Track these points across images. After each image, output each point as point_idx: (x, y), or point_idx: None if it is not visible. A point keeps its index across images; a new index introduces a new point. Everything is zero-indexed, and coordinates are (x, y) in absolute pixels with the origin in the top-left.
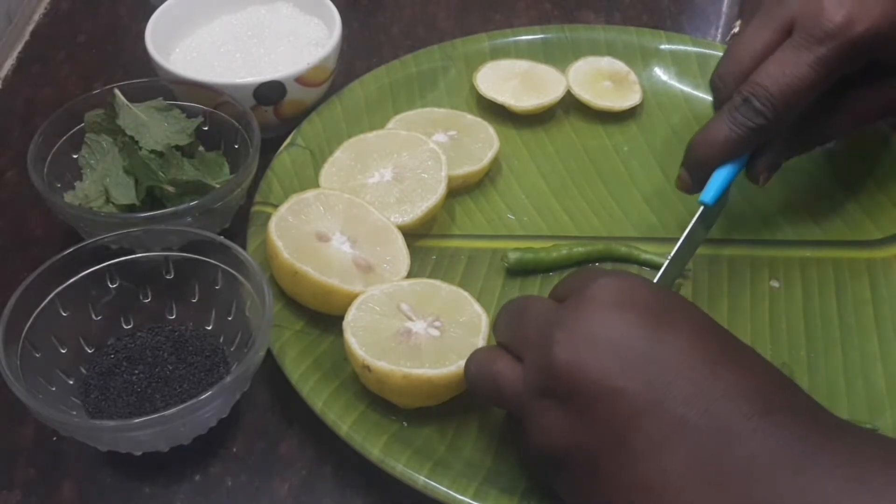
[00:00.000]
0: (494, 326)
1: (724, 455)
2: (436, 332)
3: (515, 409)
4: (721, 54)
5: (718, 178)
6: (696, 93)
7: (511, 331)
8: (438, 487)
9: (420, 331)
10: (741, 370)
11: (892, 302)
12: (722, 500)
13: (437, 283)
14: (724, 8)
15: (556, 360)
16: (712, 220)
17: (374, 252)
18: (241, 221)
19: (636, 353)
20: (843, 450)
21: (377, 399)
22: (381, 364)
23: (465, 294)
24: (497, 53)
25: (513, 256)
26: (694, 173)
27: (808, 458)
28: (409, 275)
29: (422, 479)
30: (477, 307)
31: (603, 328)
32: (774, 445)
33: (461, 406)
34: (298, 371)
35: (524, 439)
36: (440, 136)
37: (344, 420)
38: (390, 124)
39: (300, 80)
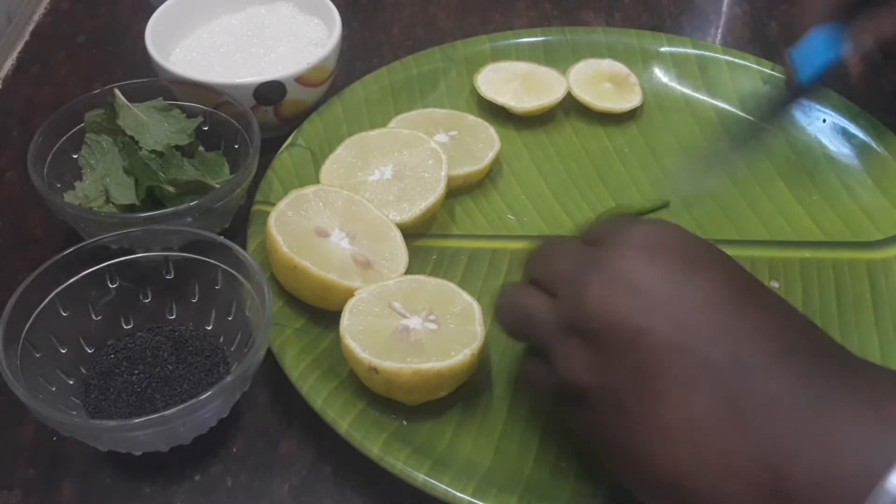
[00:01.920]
0: (527, 262)
1: (746, 393)
2: (433, 326)
3: (542, 342)
4: (721, 56)
5: (815, 54)
6: (696, 95)
7: (544, 268)
8: (438, 485)
9: (417, 326)
10: (767, 313)
11: (892, 302)
12: (742, 437)
13: (422, 278)
14: (724, 8)
15: (587, 300)
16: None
17: (373, 249)
18: (241, 221)
19: (665, 295)
20: (861, 384)
21: (377, 397)
22: (388, 364)
23: (452, 285)
24: (498, 55)
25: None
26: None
27: (826, 391)
28: (409, 274)
29: (421, 477)
30: (466, 296)
31: (634, 271)
32: (794, 382)
33: (461, 404)
34: (298, 369)
35: (545, 371)
36: (441, 136)
37: (343, 418)
38: (392, 124)
39: (300, 80)
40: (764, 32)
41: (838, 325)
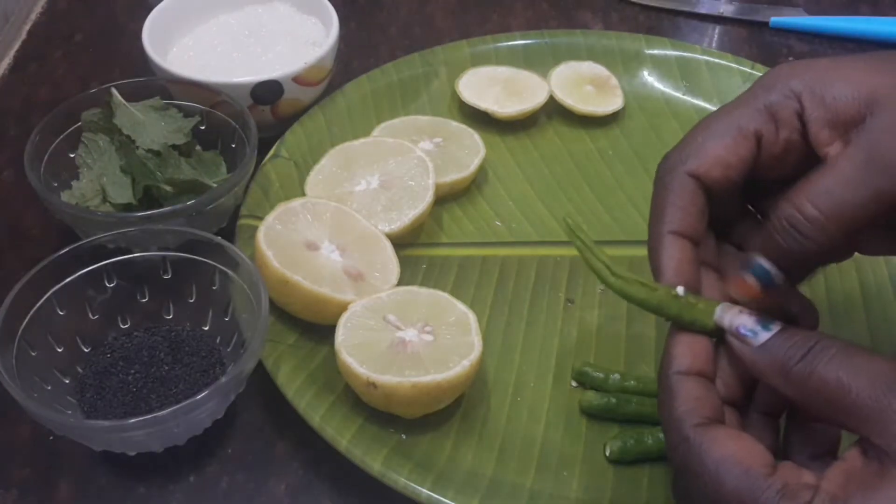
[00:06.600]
0: None
1: None
2: (429, 337)
3: None
4: (700, 57)
5: None
6: (676, 94)
7: None
8: (443, 500)
9: (413, 339)
10: None
11: (880, 299)
12: None
13: (414, 288)
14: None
15: None
16: None
17: (364, 260)
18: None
19: None
20: None
21: (374, 411)
22: (387, 378)
23: (445, 295)
24: (478, 60)
25: (614, 446)
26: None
27: None
28: (400, 284)
29: (425, 493)
30: (461, 306)
31: None
32: None
33: (460, 415)
34: (294, 386)
35: None
36: (426, 144)
37: (343, 435)
38: (375, 132)
39: (297, 79)
40: (761, 33)
41: (830, 323)
